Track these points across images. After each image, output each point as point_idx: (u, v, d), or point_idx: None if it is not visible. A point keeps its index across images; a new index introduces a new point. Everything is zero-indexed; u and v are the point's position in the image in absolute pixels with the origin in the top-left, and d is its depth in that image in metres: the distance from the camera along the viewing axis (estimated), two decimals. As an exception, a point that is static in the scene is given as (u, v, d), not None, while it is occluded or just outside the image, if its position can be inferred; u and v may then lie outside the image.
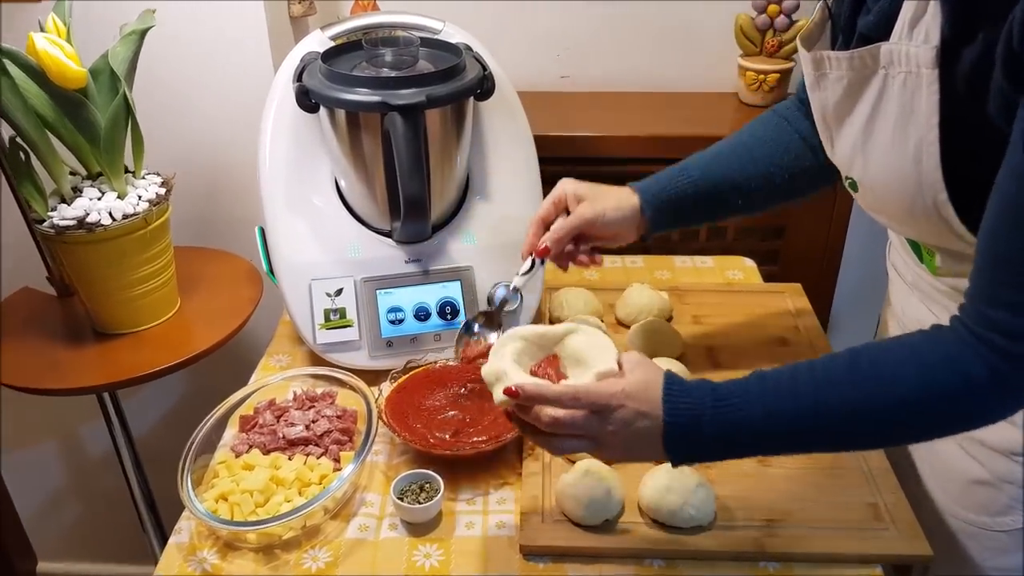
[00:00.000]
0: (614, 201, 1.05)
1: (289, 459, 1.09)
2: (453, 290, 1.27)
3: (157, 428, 1.83)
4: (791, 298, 1.39)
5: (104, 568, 2.03)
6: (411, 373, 1.19)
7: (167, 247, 1.33)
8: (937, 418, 0.76)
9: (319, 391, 1.20)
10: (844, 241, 1.58)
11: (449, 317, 1.26)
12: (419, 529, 1.02)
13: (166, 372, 1.24)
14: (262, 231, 1.28)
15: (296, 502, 1.02)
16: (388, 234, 1.28)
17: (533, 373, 0.88)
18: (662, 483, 0.98)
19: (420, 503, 1.02)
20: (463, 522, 1.03)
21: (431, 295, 1.26)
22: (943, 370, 0.73)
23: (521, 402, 0.81)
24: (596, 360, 0.85)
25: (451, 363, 1.20)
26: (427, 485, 1.04)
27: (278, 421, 1.14)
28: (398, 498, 1.02)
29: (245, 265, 1.49)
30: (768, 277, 1.51)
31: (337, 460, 1.09)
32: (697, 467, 1.01)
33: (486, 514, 1.04)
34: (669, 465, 0.98)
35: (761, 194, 1.09)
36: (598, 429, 0.80)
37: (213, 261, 1.52)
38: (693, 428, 0.78)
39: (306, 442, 1.11)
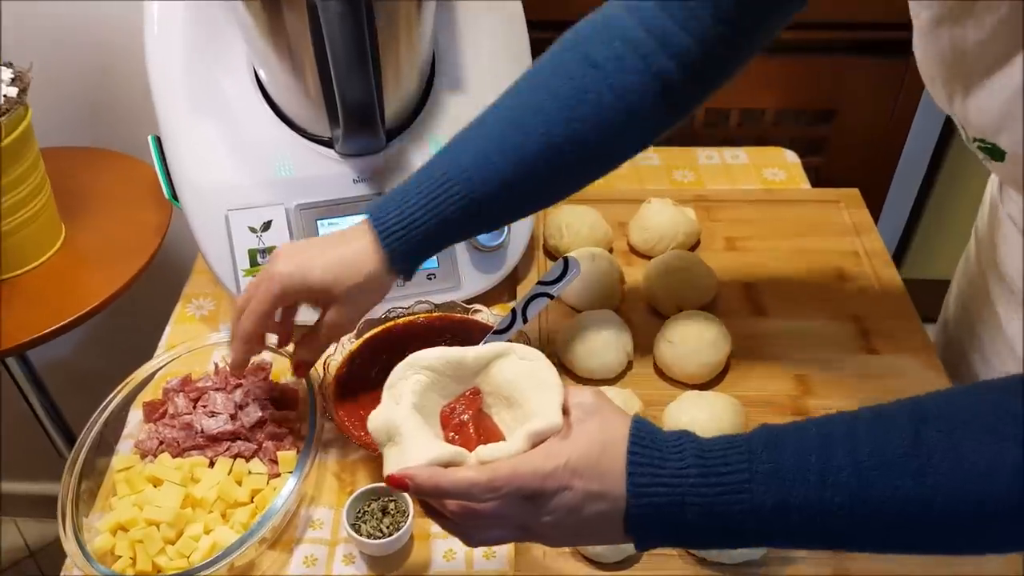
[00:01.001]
0: (354, 276, 0.73)
1: (210, 464, 0.83)
2: (419, 218, 0.96)
3: (67, 347, 1.55)
4: (848, 209, 1.10)
5: (33, 487, 1.82)
6: (367, 336, 0.91)
7: (34, 165, 1.00)
8: None
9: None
10: (910, 127, 1.27)
11: (415, 254, 0.97)
12: (383, 563, 0.78)
13: (49, 337, 0.95)
14: (157, 141, 0.96)
15: (219, 534, 0.77)
16: (329, 143, 0.96)
17: (445, 418, 0.62)
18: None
19: (383, 532, 0.77)
20: (440, 550, 0.79)
21: (390, 226, 0.96)
22: None
23: (413, 495, 0.57)
24: (533, 401, 0.59)
25: (420, 318, 0.93)
26: (391, 505, 0.80)
27: (195, 408, 0.87)
28: (353, 526, 0.78)
29: (149, 174, 1.16)
30: (812, 171, 1.21)
31: (274, 461, 0.83)
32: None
33: (470, 538, 0.80)
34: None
35: (571, 179, 0.76)
36: (529, 520, 0.56)
37: (106, 167, 1.18)
38: (671, 517, 0.53)
39: (233, 437, 0.85)
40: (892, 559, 0.73)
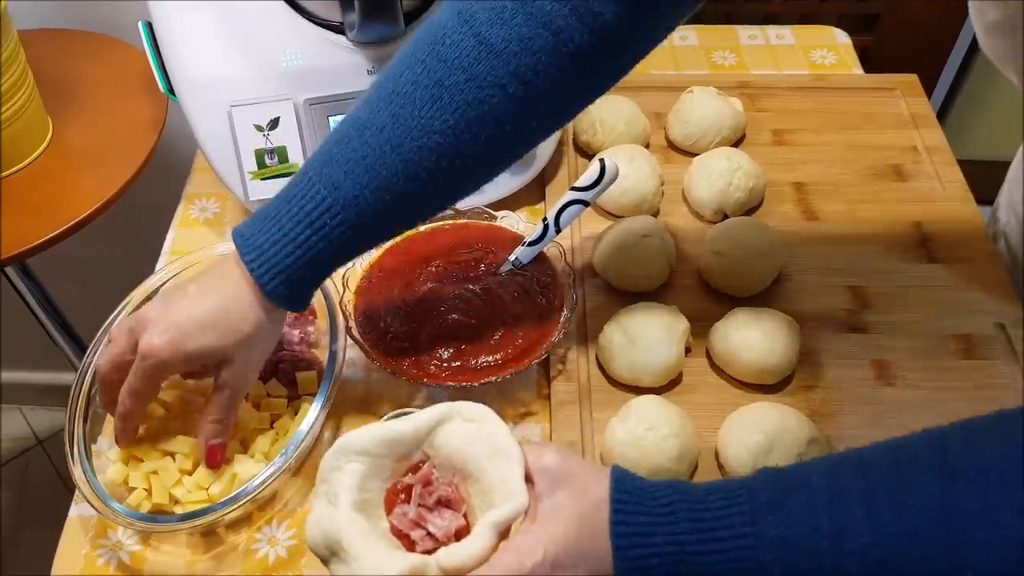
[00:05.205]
0: (237, 330, 0.64)
1: (224, 386, 0.78)
2: (440, 113, 0.88)
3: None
4: (906, 99, 1.01)
5: (41, 376, 1.79)
6: (389, 244, 0.84)
7: (13, 53, 0.89)
8: None
9: (260, 272, 0.86)
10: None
11: (437, 153, 0.89)
12: (414, 492, 0.74)
13: (39, 249, 0.88)
14: (149, 27, 0.86)
15: (238, 464, 0.73)
16: (341, 29, 0.86)
17: (390, 503, 0.54)
18: (757, 442, 0.69)
19: (414, 462, 0.73)
20: (473, 476, 0.75)
21: (409, 123, 0.87)
22: None
23: None
24: (490, 472, 0.51)
25: (446, 225, 0.86)
26: (422, 432, 0.75)
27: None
28: (382, 455, 0.73)
29: (142, 60, 1.05)
30: (862, 51, 1.11)
31: (292, 383, 0.78)
32: (808, 413, 0.73)
33: (504, 464, 0.76)
34: (763, 416, 0.70)
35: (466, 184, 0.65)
36: None
37: (96, 54, 1.07)
38: None
39: (247, 357, 0.79)
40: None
